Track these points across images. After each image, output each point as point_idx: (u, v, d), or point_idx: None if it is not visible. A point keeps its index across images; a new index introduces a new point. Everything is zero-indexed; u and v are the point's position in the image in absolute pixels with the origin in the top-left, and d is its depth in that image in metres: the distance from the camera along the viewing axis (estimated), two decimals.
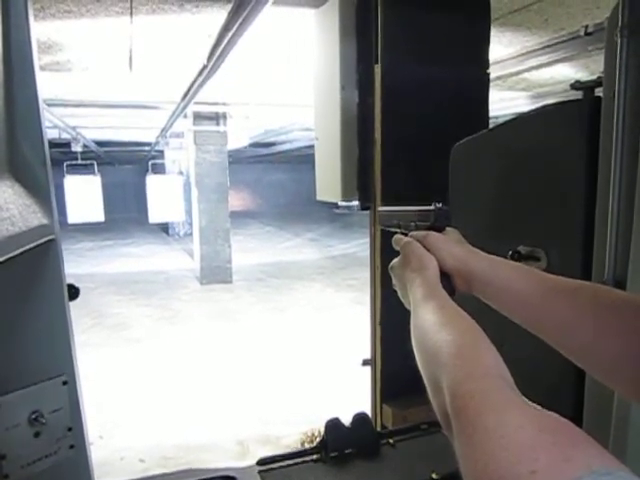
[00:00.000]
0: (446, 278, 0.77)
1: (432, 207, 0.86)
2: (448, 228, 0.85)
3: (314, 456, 1.37)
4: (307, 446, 1.55)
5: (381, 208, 1.03)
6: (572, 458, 0.34)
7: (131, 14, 3.03)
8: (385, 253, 2.08)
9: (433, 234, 0.81)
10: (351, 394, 3.71)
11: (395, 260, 0.84)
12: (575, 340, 0.68)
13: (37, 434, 1.03)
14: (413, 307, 0.71)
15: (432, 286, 0.72)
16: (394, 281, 0.85)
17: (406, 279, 0.78)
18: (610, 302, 0.66)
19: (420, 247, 0.80)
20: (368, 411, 2.01)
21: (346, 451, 1.36)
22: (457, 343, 0.55)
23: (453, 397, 0.48)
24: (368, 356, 2.29)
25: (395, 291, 0.86)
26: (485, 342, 0.55)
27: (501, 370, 0.50)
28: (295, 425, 4.25)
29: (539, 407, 0.42)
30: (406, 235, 0.86)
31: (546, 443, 0.36)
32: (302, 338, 6.60)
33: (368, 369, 2.30)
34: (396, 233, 0.92)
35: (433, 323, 0.62)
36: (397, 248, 0.85)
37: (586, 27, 2.94)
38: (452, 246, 0.80)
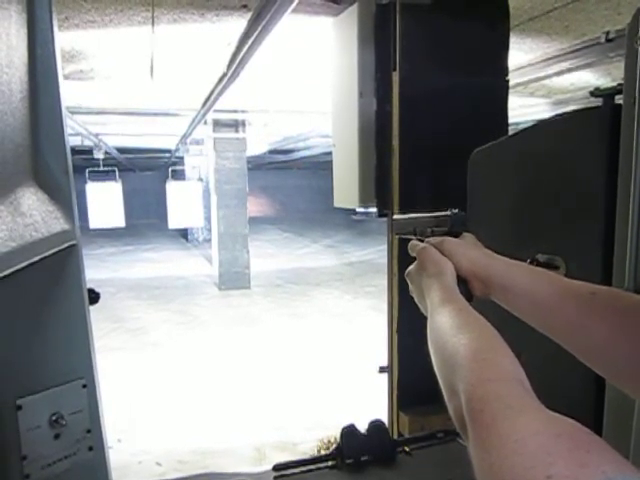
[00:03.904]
0: (463, 283, 0.76)
1: (448, 212, 0.86)
2: (465, 233, 0.84)
3: (329, 463, 1.37)
4: (323, 453, 1.55)
5: (397, 216, 1.02)
6: (588, 464, 0.34)
7: (153, 23, 3.08)
8: (402, 260, 2.08)
9: (449, 239, 0.81)
10: (368, 401, 3.69)
11: (411, 266, 0.84)
12: (591, 344, 0.67)
13: (57, 436, 1.04)
14: (430, 311, 0.71)
15: (449, 290, 0.72)
16: (411, 287, 0.85)
17: (423, 284, 0.78)
18: (629, 305, 0.65)
19: (436, 252, 0.79)
20: (384, 419, 2.00)
21: (362, 458, 1.36)
22: (473, 346, 0.55)
23: (468, 400, 0.47)
24: (385, 363, 2.28)
25: (412, 297, 0.86)
26: (502, 346, 0.55)
27: (518, 374, 0.50)
28: (312, 431, 4.24)
29: (555, 413, 0.42)
30: (422, 242, 0.86)
31: (562, 448, 0.36)
32: (319, 344, 6.59)
33: (385, 376, 2.29)
34: (412, 240, 0.91)
35: (450, 326, 0.61)
36: (413, 254, 0.85)
37: (607, 33, 2.91)
38: (469, 250, 0.79)
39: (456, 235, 0.83)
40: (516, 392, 0.46)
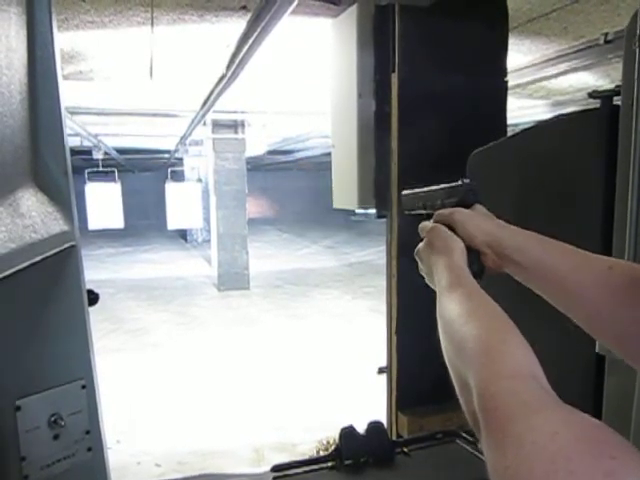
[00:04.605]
0: (475, 256, 0.73)
1: (459, 183, 0.81)
2: (476, 204, 0.80)
3: (329, 464, 1.37)
4: (322, 454, 1.55)
5: (405, 192, 0.96)
6: (613, 473, 0.31)
7: (152, 24, 3.08)
8: (401, 261, 2.08)
9: (460, 210, 0.77)
10: (367, 402, 3.70)
11: (420, 244, 0.80)
12: (606, 318, 0.65)
13: (56, 436, 1.04)
14: (438, 295, 0.67)
15: (458, 270, 0.68)
16: (420, 266, 0.81)
17: (431, 262, 0.74)
18: None
19: (445, 229, 0.75)
20: (383, 419, 2.00)
21: (361, 459, 1.36)
22: (484, 337, 0.51)
23: (481, 397, 0.44)
24: (384, 364, 2.28)
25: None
26: (516, 336, 0.51)
27: (533, 368, 0.46)
28: (311, 432, 4.24)
29: (577, 410, 0.39)
30: (432, 217, 0.82)
31: (583, 453, 0.33)
32: (319, 345, 6.59)
33: (384, 377, 2.29)
34: (421, 216, 0.87)
35: (458, 314, 0.58)
36: (423, 235, 0.81)
37: (606, 35, 2.92)
38: (481, 221, 0.75)
39: (467, 206, 0.79)
40: (531, 388, 0.43)
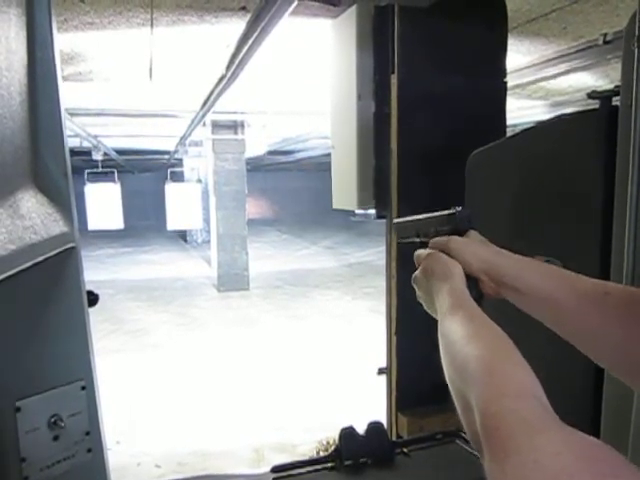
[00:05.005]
0: (473, 283, 0.74)
1: (452, 211, 0.82)
2: (470, 231, 0.80)
3: (328, 464, 1.37)
4: (322, 454, 1.55)
5: (397, 220, 0.97)
6: None
7: (152, 25, 3.09)
8: (401, 262, 2.08)
9: (456, 238, 0.78)
10: (367, 402, 3.70)
11: (417, 271, 0.81)
12: (604, 344, 0.66)
13: (56, 437, 1.04)
14: (440, 318, 0.68)
15: (459, 294, 0.69)
16: (418, 293, 0.82)
17: (432, 289, 0.75)
18: None
19: (443, 255, 0.76)
20: (383, 420, 2.00)
21: (361, 460, 1.36)
22: (486, 358, 0.52)
23: (483, 417, 0.45)
24: (384, 365, 2.28)
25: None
26: (517, 357, 0.52)
27: (534, 388, 0.47)
28: (311, 433, 4.24)
29: (577, 430, 0.39)
30: (426, 245, 0.82)
31: (584, 472, 0.34)
32: (319, 346, 6.60)
33: (384, 378, 2.29)
34: (414, 244, 0.88)
35: (461, 336, 0.59)
36: (419, 263, 0.81)
37: (605, 35, 2.92)
38: (478, 248, 0.76)
39: (462, 233, 0.80)
40: (533, 408, 0.43)
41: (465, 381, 0.52)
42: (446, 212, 0.83)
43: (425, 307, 0.81)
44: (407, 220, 0.93)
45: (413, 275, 0.82)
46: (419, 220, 0.89)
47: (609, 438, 1.21)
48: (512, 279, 0.73)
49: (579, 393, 1.34)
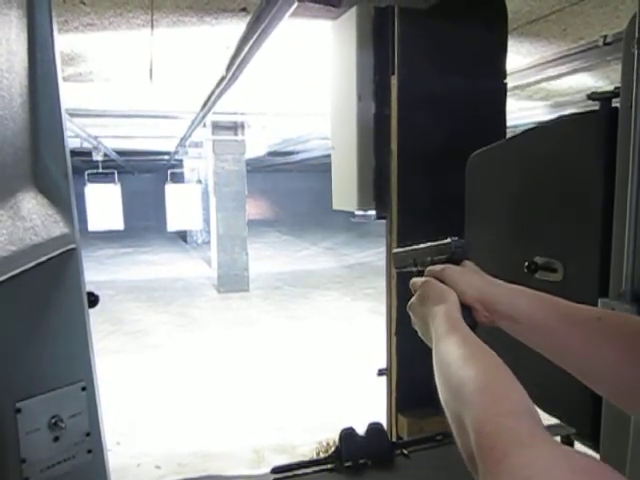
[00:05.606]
0: (467, 311, 0.76)
1: (448, 240, 0.85)
2: (465, 261, 0.84)
3: (328, 465, 1.37)
4: (322, 455, 1.55)
5: (395, 250, 1.01)
6: None
7: (152, 26, 3.09)
8: None
9: (451, 267, 0.81)
10: (367, 403, 3.70)
11: (413, 298, 0.83)
12: (597, 369, 0.67)
13: (56, 438, 1.04)
14: (435, 342, 0.69)
15: (454, 320, 0.71)
16: (413, 319, 0.84)
17: (427, 314, 0.77)
18: (636, 330, 0.65)
19: (438, 282, 0.79)
20: (383, 421, 2.00)
21: (360, 461, 1.36)
22: (480, 380, 0.53)
23: (478, 435, 0.46)
24: (384, 366, 2.28)
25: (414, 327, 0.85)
26: (510, 378, 0.54)
27: (527, 407, 0.48)
28: (311, 434, 4.24)
29: (569, 447, 0.40)
30: (422, 273, 0.85)
31: None
32: (319, 347, 6.59)
33: (384, 379, 2.29)
34: (411, 273, 0.91)
35: (456, 358, 0.60)
36: (415, 290, 0.84)
37: (605, 37, 2.92)
38: (472, 278, 0.78)
39: (457, 263, 0.83)
40: (527, 426, 0.44)
41: (460, 402, 0.53)
42: (442, 242, 0.86)
43: (420, 334, 0.82)
44: (405, 250, 0.97)
45: (409, 302, 0.84)
46: (416, 249, 0.93)
47: (608, 447, 1.22)
48: (505, 307, 0.74)
49: (578, 401, 1.34)
